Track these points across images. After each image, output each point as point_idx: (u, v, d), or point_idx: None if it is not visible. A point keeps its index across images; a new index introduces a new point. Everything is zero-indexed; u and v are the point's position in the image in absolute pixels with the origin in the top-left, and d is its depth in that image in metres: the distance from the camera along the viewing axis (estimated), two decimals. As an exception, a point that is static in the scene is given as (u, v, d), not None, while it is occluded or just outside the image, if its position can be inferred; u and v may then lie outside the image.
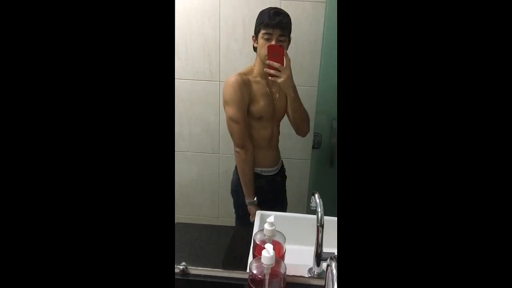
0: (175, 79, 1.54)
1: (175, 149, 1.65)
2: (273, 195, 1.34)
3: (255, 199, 1.25)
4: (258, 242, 0.79)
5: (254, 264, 0.71)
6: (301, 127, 1.28)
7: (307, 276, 0.82)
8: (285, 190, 1.45)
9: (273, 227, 0.77)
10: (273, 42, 1.11)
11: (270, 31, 1.11)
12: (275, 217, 0.78)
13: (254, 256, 0.78)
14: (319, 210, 0.79)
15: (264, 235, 0.78)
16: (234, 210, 1.38)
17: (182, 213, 1.72)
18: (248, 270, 0.72)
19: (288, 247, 0.88)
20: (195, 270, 0.78)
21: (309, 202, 1.57)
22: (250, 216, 1.27)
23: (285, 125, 1.32)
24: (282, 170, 1.39)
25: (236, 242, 1.04)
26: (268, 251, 0.67)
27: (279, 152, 1.37)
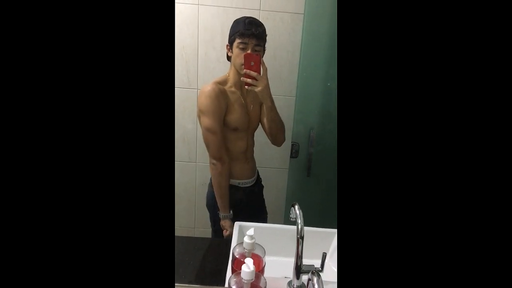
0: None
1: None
2: (252, 206, 1.32)
3: (231, 212, 1.22)
4: (237, 256, 0.77)
5: (233, 280, 0.69)
6: (277, 136, 1.27)
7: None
8: (263, 200, 1.44)
9: (253, 240, 0.75)
10: (248, 51, 1.09)
11: (245, 40, 1.09)
12: (254, 228, 0.77)
13: (233, 270, 0.77)
14: (299, 221, 0.78)
15: (244, 248, 0.76)
16: (210, 224, 1.35)
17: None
18: (226, 285, 0.70)
19: (267, 259, 0.87)
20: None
21: (287, 212, 1.58)
22: (224, 231, 1.24)
23: (262, 134, 1.31)
24: (258, 180, 1.38)
25: (213, 255, 1.01)
26: (248, 266, 0.66)
27: (255, 163, 1.36)
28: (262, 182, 1.41)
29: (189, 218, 1.69)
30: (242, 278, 0.66)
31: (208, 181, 1.32)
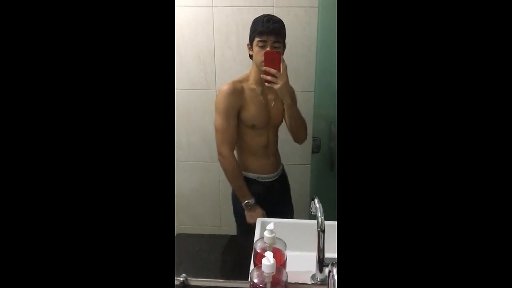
0: (171, 90, 1.54)
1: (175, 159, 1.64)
2: (273, 202, 1.32)
3: (251, 200, 1.23)
4: (258, 250, 0.77)
5: (255, 273, 0.69)
6: (298, 134, 1.28)
7: (310, 283, 0.80)
8: (287, 196, 1.44)
9: (273, 234, 0.76)
10: (268, 49, 1.11)
11: (264, 38, 1.11)
12: (276, 224, 0.77)
13: (255, 265, 0.77)
14: (319, 215, 0.78)
15: (265, 242, 0.76)
16: (234, 218, 1.37)
17: (183, 223, 1.71)
18: (249, 280, 0.71)
19: (291, 254, 0.87)
20: (195, 282, 0.76)
21: (310, 205, 1.57)
22: (247, 219, 1.25)
23: (283, 130, 1.31)
24: (282, 177, 1.38)
25: (237, 251, 1.03)
26: (268, 259, 0.66)
27: (279, 159, 1.36)
28: (288, 180, 1.41)
29: (215, 217, 1.72)
30: (263, 271, 0.67)
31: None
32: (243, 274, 0.84)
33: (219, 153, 1.22)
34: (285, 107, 1.20)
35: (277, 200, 1.35)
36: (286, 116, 1.23)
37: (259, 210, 1.23)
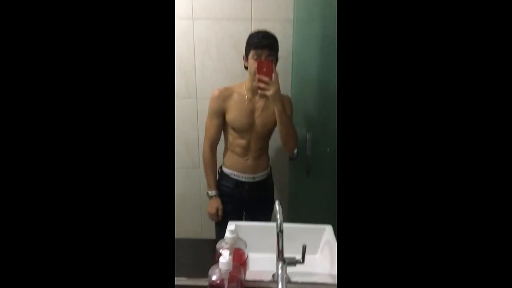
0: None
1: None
2: (247, 201, 1.41)
3: (211, 192, 1.40)
4: (220, 251, 0.82)
5: (214, 270, 0.74)
6: (287, 141, 1.34)
7: (268, 280, 0.85)
8: (269, 201, 1.48)
9: (234, 235, 0.80)
10: (260, 58, 1.22)
11: (259, 51, 1.22)
12: (245, 226, 0.82)
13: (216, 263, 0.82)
14: (278, 217, 0.83)
15: (226, 242, 0.81)
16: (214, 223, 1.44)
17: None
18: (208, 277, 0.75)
19: (258, 256, 0.91)
20: (159, 279, 0.80)
21: (290, 211, 1.61)
22: (208, 209, 1.41)
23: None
24: (262, 182, 1.44)
25: (206, 253, 1.07)
26: (224, 257, 0.71)
27: (261, 165, 1.42)
28: (269, 186, 1.47)
29: (196, 222, 1.75)
30: (221, 269, 0.71)
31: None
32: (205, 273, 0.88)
33: (204, 145, 1.41)
34: (276, 113, 1.27)
35: (254, 201, 1.42)
36: (278, 122, 1.29)
37: (214, 201, 1.40)
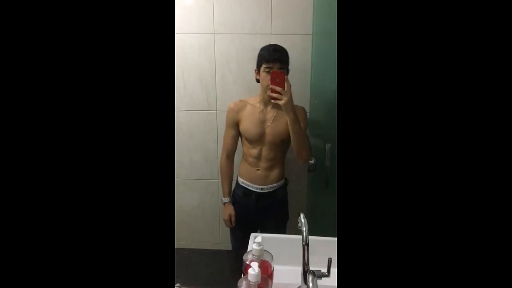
0: (175, 111, 1.63)
1: (176, 177, 1.72)
2: (258, 211, 1.45)
3: (226, 199, 1.47)
4: (247, 262, 0.83)
5: (242, 282, 0.75)
6: (300, 151, 1.35)
7: (295, 293, 0.85)
8: (282, 213, 1.50)
9: (261, 247, 0.82)
10: (275, 70, 1.26)
11: (270, 65, 1.28)
12: (266, 238, 0.82)
13: (244, 275, 0.83)
14: (304, 229, 0.84)
15: (253, 255, 0.82)
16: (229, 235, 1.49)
17: (183, 240, 1.76)
18: (238, 289, 0.76)
19: (281, 268, 0.91)
20: (188, 291, 0.82)
21: (308, 223, 1.61)
22: (223, 215, 1.47)
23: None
24: (274, 193, 1.45)
25: (230, 264, 1.08)
26: (253, 269, 0.72)
27: (274, 176, 1.43)
28: (282, 198, 1.48)
29: (214, 234, 1.77)
30: (249, 281, 0.72)
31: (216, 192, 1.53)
32: (234, 285, 0.89)
33: (222, 154, 1.48)
34: (288, 122, 1.29)
35: (263, 212, 1.45)
36: (290, 132, 1.32)
37: (227, 208, 1.46)
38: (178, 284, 0.80)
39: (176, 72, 1.59)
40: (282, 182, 1.47)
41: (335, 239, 1.12)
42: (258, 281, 0.72)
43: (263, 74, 1.30)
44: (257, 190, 1.43)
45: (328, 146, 1.54)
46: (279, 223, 1.49)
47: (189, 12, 1.52)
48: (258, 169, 1.42)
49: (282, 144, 1.41)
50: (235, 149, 1.46)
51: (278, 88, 1.23)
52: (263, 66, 1.29)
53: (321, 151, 1.55)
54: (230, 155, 1.46)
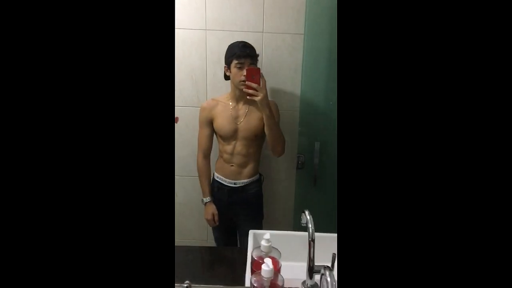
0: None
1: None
2: (233, 206, 1.50)
3: (206, 199, 1.48)
4: (255, 258, 0.84)
5: (254, 279, 0.76)
6: (275, 146, 1.42)
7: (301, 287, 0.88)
8: (257, 207, 1.55)
9: (269, 243, 0.83)
10: (250, 66, 1.30)
11: (242, 60, 1.31)
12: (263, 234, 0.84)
13: (252, 271, 0.84)
14: (310, 226, 0.86)
15: (261, 251, 0.84)
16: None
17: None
18: (249, 284, 0.77)
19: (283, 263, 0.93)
20: (199, 287, 0.82)
21: (295, 220, 1.65)
22: (205, 215, 1.49)
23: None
24: (242, 189, 1.49)
25: (228, 261, 1.09)
26: (267, 265, 0.73)
27: (248, 170, 1.48)
28: (253, 192, 1.52)
29: (202, 230, 1.76)
30: (263, 277, 0.74)
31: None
32: (237, 280, 0.91)
33: (197, 154, 1.51)
34: (264, 118, 1.35)
35: (236, 207, 1.50)
36: (266, 127, 1.37)
37: (209, 207, 1.48)
38: (187, 281, 0.80)
39: (166, 67, 1.56)
40: (255, 177, 1.51)
41: (333, 235, 1.16)
42: (271, 277, 0.74)
43: (234, 70, 1.33)
44: (230, 185, 1.48)
45: (317, 144, 1.58)
46: (253, 218, 1.53)
47: (182, 7, 1.49)
48: (232, 165, 1.46)
49: (256, 139, 1.44)
50: (211, 148, 1.49)
51: (254, 85, 1.27)
52: (234, 62, 1.32)
53: (310, 149, 1.59)
54: (206, 155, 1.49)
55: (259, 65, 1.41)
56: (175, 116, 1.53)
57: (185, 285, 0.77)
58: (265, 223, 1.62)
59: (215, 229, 1.56)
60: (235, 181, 1.47)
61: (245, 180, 1.47)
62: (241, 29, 1.53)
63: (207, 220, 1.49)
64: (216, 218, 1.47)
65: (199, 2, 1.49)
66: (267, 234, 0.84)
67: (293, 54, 1.56)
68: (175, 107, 1.61)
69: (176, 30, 1.52)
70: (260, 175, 1.54)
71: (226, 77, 1.40)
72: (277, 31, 1.54)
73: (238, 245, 1.56)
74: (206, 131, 1.46)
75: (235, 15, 1.51)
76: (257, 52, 1.38)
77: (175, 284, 0.79)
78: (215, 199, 1.50)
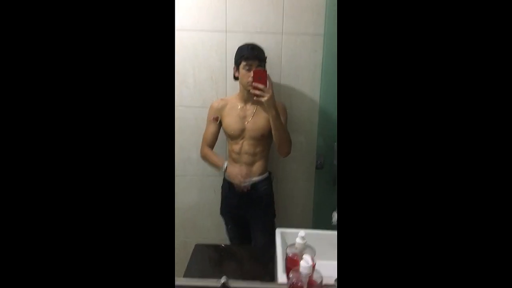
0: (185, 106, 1.62)
1: (184, 174, 1.70)
2: (244, 207, 1.51)
3: (224, 165, 1.47)
4: (290, 255, 0.85)
5: (293, 274, 0.77)
6: (281, 146, 1.44)
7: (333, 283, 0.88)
8: (267, 206, 1.55)
9: (304, 241, 0.84)
10: (257, 68, 1.34)
11: (250, 62, 1.36)
12: (291, 233, 0.85)
13: (287, 269, 0.85)
14: (343, 223, 0.87)
15: (296, 248, 0.84)
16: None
17: (190, 237, 1.75)
18: (282, 281, 0.78)
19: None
20: (235, 283, 0.83)
21: (314, 219, 1.65)
22: (232, 177, 1.46)
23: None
24: (256, 186, 1.50)
25: (254, 258, 1.09)
26: (306, 261, 0.74)
27: (256, 170, 1.50)
28: (261, 191, 1.52)
29: (219, 229, 1.76)
30: (301, 273, 0.75)
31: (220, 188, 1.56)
32: (269, 277, 0.91)
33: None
34: (270, 119, 1.37)
35: (247, 206, 1.51)
36: (272, 128, 1.39)
37: (232, 168, 1.45)
38: (224, 277, 0.81)
39: (187, 69, 1.58)
40: (264, 175, 1.52)
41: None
42: (309, 273, 0.75)
43: (242, 71, 1.37)
44: (240, 184, 1.48)
45: (336, 145, 1.59)
46: (265, 216, 1.54)
47: (202, 10, 1.51)
48: (241, 165, 1.48)
49: (263, 139, 1.46)
50: (214, 144, 1.53)
51: (260, 86, 1.30)
52: (243, 63, 1.36)
53: (329, 149, 1.60)
54: (209, 146, 1.52)
55: (278, 66, 1.42)
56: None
57: (222, 281, 0.78)
58: (284, 222, 1.62)
59: (228, 230, 1.58)
60: (245, 180, 1.48)
61: (254, 178, 1.49)
62: (261, 30, 1.54)
63: (238, 180, 1.43)
64: (243, 174, 1.43)
65: (220, 4, 1.51)
66: (302, 231, 0.84)
67: (312, 55, 1.57)
68: (196, 107, 1.63)
69: (196, 32, 1.54)
70: (270, 173, 1.55)
71: (235, 78, 1.44)
72: (297, 32, 1.55)
73: (253, 244, 1.56)
74: (213, 128, 1.49)
75: (254, 17, 1.53)
76: (266, 54, 1.41)
77: (212, 279, 0.80)
78: (228, 199, 1.52)
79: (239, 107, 1.46)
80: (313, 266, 0.85)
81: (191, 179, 1.72)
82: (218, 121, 1.48)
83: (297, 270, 0.76)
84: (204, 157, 1.53)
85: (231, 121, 1.45)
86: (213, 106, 1.49)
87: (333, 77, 1.56)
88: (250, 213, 1.53)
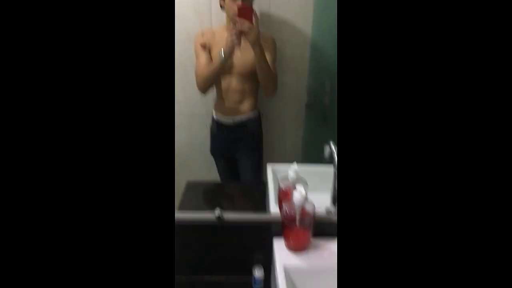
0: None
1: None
2: (233, 145, 1.50)
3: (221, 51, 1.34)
4: (283, 188, 0.86)
5: (286, 204, 0.78)
6: (266, 85, 1.39)
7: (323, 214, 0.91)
8: (253, 144, 1.55)
9: (297, 174, 0.84)
10: (240, 2, 1.24)
11: None
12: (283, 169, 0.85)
13: (279, 201, 0.86)
14: (335, 156, 0.87)
15: (289, 180, 0.85)
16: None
17: (182, 175, 1.76)
18: (280, 211, 0.80)
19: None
20: (229, 215, 0.84)
21: (303, 157, 1.67)
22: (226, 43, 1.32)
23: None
24: (241, 125, 1.48)
25: (245, 193, 1.11)
26: (300, 192, 0.75)
27: (240, 108, 1.46)
28: (248, 131, 1.51)
29: (212, 169, 1.77)
30: (294, 203, 0.76)
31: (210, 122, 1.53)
32: (261, 209, 0.93)
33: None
34: (255, 58, 1.31)
35: (236, 143, 1.51)
36: (257, 67, 1.33)
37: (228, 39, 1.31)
38: (218, 209, 0.82)
39: None
40: (253, 113, 1.50)
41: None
42: (302, 204, 0.76)
43: (228, 1, 1.28)
44: (228, 122, 1.47)
45: (327, 83, 1.55)
46: (253, 153, 1.55)
47: None
48: (229, 102, 1.45)
49: (251, 76, 1.41)
50: None
51: (246, 23, 1.23)
52: None
53: (321, 88, 1.56)
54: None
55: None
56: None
57: (217, 213, 0.79)
58: (274, 159, 1.63)
59: (219, 167, 1.58)
60: (233, 117, 1.47)
61: (243, 116, 1.47)
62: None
63: (231, 40, 1.30)
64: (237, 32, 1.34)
65: None
66: (294, 165, 0.84)
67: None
68: (180, 41, 1.54)
69: None
70: (259, 112, 1.53)
71: (222, 7, 1.35)
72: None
73: (241, 180, 1.59)
74: (204, 58, 1.37)
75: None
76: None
77: (208, 210, 0.80)
78: (216, 137, 1.51)
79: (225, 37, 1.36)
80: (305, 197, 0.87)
81: (178, 119, 1.68)
82: (207, 49, 1.38)
83: (289, 201, 0.77)
84: (205, 85, 1.42)
85: (216, 52, 1.37)
86: (200, 34, 1.40)
87: (325, 12, 1.47)
88: (239, 150, 1.52)
